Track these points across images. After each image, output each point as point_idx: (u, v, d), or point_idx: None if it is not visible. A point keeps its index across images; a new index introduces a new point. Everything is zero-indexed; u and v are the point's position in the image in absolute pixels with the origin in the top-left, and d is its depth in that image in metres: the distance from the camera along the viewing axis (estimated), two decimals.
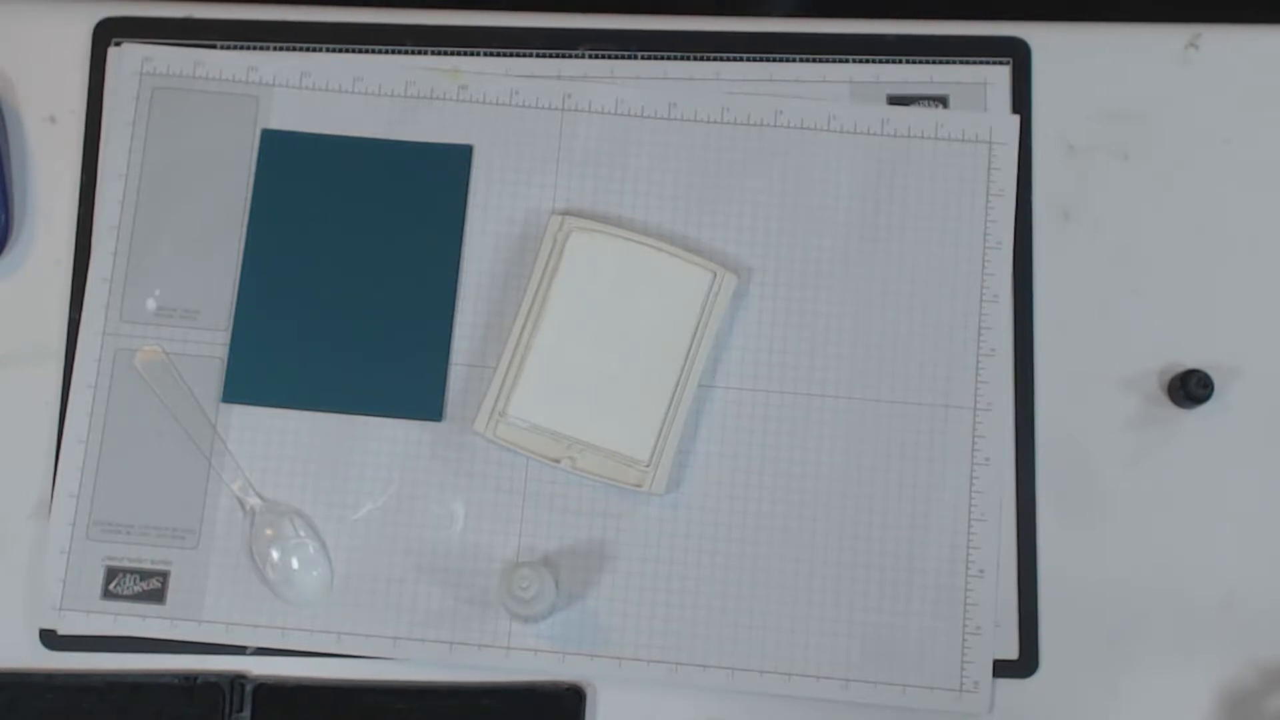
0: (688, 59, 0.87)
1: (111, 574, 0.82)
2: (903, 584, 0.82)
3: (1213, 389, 0.82)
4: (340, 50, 0.88)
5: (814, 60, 0.87)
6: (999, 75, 0.87)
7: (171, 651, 0.82)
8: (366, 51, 0.88)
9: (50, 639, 0.82)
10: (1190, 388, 0.82)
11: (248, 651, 0.82)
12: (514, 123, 0.87)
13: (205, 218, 0.86)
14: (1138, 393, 0.84)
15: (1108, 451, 0.83)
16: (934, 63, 0.87)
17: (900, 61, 0.87)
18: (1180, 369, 0.83)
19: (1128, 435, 0.83)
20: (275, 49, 0.88)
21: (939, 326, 0.84)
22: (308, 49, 0.88)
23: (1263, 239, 0.85)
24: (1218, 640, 0.82)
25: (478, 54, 0.88)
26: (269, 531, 0.82)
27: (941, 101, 0.86)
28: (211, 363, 0.84)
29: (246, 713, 0.81)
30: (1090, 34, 0.87)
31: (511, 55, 0.88)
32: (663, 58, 0.87)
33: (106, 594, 0.82)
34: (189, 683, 0.81)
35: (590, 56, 0.88)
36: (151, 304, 0.85)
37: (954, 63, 0.87)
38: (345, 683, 0.82)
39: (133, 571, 0.82)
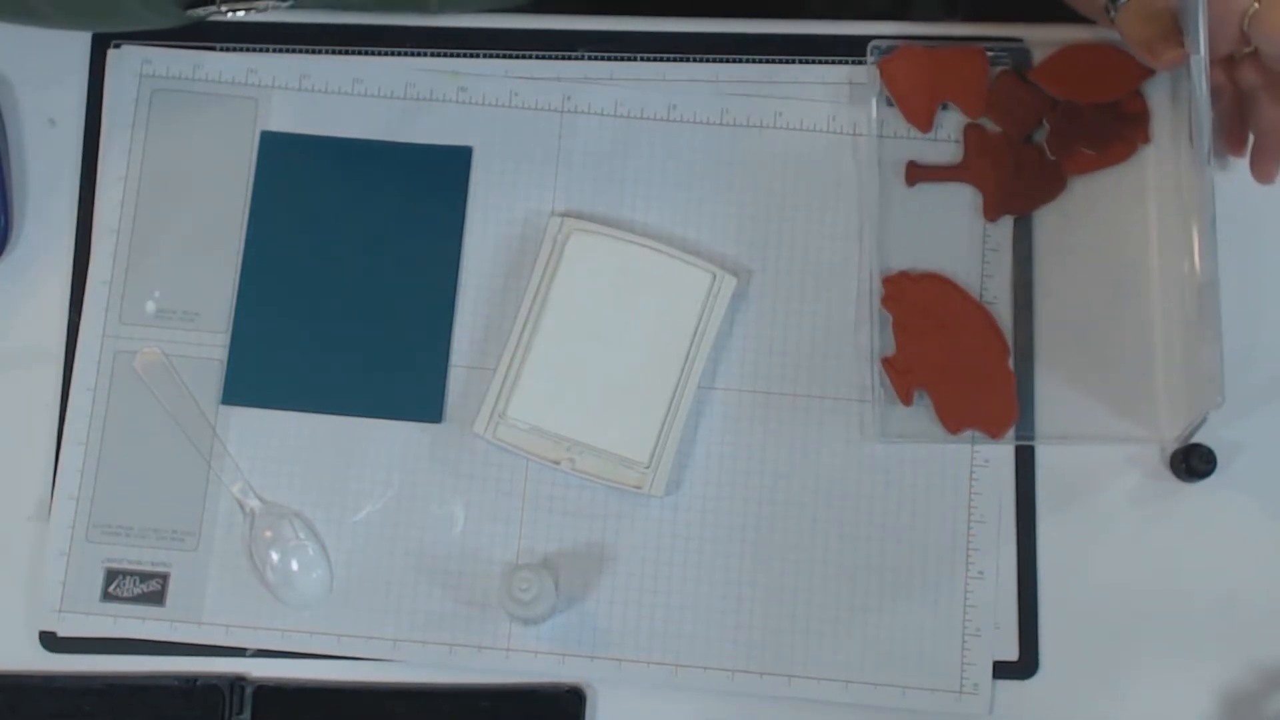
0: (687, 60, 0.87)
1: (111, 576, 0.82)
2: (902, 585, 0.82)
3: (1215, 464, 0.81)
4: (339, 52, 0.88)
5: (814, 60, 0.87)
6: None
7: (171, 653, 0.82)
8: (366, 53, 0.88)
9: (50, 641, 0.82)
10: (1193, 462, 0.81)
11: (248, 653, 0.82)
12: (514, 124, 0.87)
13: (205, 220, 0.86)
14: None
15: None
16: None
17: None
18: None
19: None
20: (274, 51, 0.88)
21: None
22: (307, 51, 0.88)
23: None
24: (1218, 641, 0.81)
25: (477, 56, 0.88)
26: (268, 533, 0.82)
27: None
28: (211, 365, 0.84)
29: (246, 714, 0.81)
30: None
31: (511, 57, 0.88)
32: (662, 59, 0.87)
33: (106, 596, 0.82)
34: (189, 685, 0.81)
35: (590, 58, 0.87)
36: (151, 306, 0.85)
37: None
38: (345, 685, 0.82)
39: (132, 573, 0.82)
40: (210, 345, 0.85)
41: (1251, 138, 0.82)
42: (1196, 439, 0.81)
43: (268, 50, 0.88)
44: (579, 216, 0.85)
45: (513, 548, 0.83)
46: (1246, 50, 0.77)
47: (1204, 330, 0.75)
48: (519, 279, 0.85)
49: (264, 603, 0.82)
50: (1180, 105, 0.83)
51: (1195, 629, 0.81)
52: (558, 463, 0.82)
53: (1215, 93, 0.82)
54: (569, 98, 0.87)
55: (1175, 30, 0.76)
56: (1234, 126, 0.83)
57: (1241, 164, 0.83)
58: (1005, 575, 0.82)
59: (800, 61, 0.87)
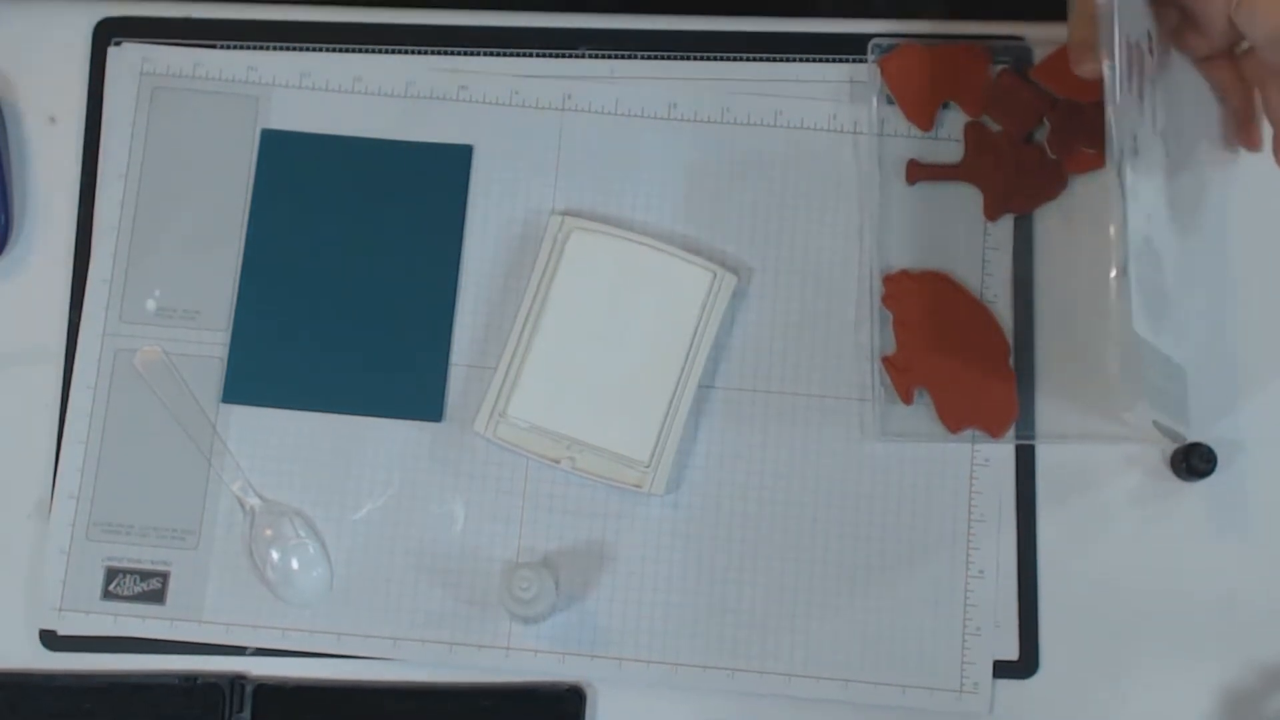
0: (688, 59, 0.87)
1: (111, 574, 0.82)
2: (902, 584, 0.82)
3: (1215, 464, 0.81)
4: (340, 50, 0.88)
5: (814, 60, 0.87)
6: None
7: (171, 652, 0.82)
8: (366, 51, 0.88)
9: (50, 639, 0.82)
10: (1193, 461, 0.81)
11: (247, 652, 0.82)
12: (514, 123, 0.87)
13: (205, 218, 0.86)
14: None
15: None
16: None
17: None
18: None
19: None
20: (275, 49, 0.88)
21: None
22: (308, 49, 0.88)
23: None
24: (1218, 640, 0.82)
25: (478, 54, 0.88)
26: (268, 532, 0.82)
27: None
28: (211, 363, 0.84)
29: (246, 713, 0.81)
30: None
31: (511, 55, 0.88)
32: (663, 58, 0.87)
33: (106, 594, 0.82)
34: (189, 683, 0.81)
35: (590, 56, 0.87)
36: (151, 304, 0.85)
37: None
38: (345, 683, 0.82)
39: (133, 572, 0.82)
40: (210, 343, 0.85)
41: (1270, 130, 0.81)
42: (1196, 438, 0.81)
43: (268, 48, 0.88)
44: (579, 215, 0.85)
45: (513, 546, 0.83)
46: (1245, 45, 0.77)
47: (1115, 332, 0.74)
48: (519, 278, 0.85)
49: (264, 601, 0.82)
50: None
51: (1195, 629, 0.81)
52: (558, 461, 0.82)
53: (1221, 90, 0.82)
54: (569, 96, 0.87)
55: None
56: (1246, 120, 0.83)
57: (1255, 159, 0.83)
58: (1005, 574, 0.82)
59: (801, 60, 0.87)
